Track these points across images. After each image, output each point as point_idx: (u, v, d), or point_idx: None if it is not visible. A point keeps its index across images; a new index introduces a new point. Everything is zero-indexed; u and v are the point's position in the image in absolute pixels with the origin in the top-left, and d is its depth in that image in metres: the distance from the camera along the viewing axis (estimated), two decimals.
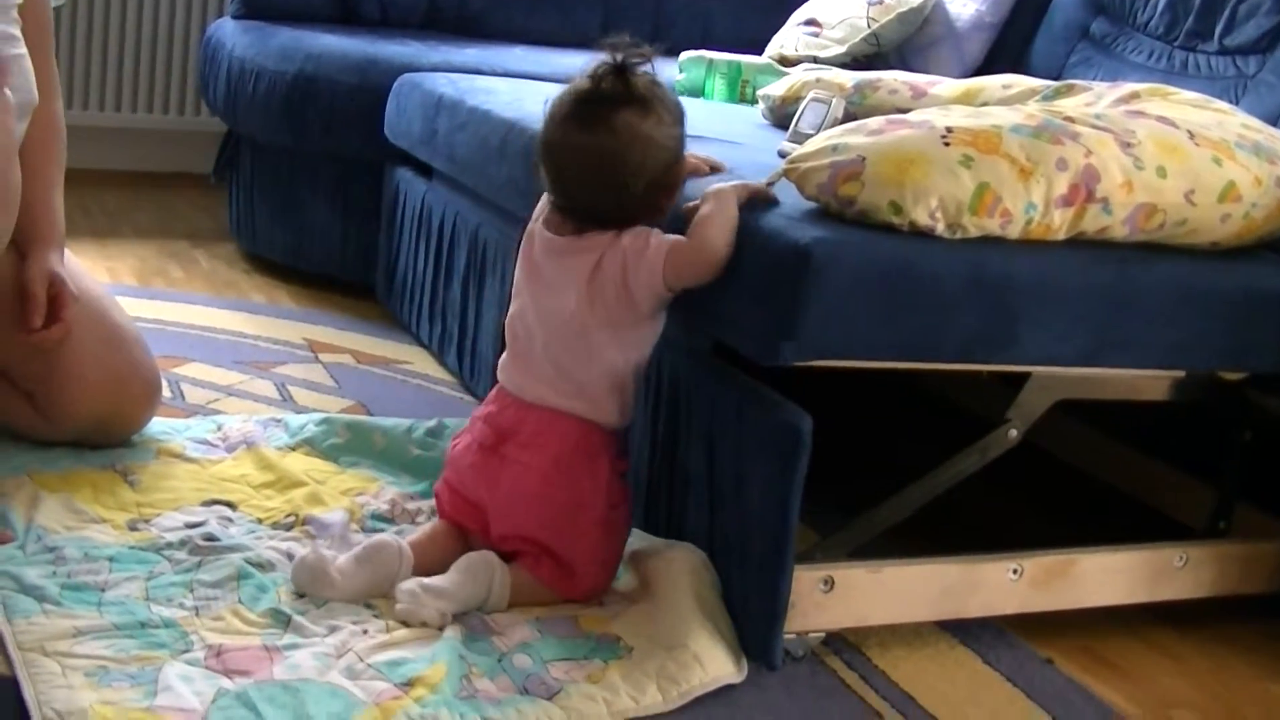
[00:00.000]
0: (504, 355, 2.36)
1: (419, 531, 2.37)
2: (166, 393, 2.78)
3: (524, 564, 2.27)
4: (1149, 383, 2.47)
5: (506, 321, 2.36)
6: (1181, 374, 2.47)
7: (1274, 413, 2.56)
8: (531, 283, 2.31)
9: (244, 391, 3.08)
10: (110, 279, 3.78)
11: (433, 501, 2.50)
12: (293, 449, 2.72)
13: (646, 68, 2.24)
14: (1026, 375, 2.33)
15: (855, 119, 2.48)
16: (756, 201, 2.25)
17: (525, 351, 2.31)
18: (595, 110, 2.21)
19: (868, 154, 2.16)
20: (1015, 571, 2.38)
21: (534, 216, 2.36)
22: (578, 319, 2.24)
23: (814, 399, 2.21)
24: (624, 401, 2.30)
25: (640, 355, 2.30)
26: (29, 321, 2.50)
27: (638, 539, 2.39)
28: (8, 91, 2.30)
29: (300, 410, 2.97)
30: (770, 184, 2.29)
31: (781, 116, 3.22)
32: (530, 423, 2.28)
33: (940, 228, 2.16)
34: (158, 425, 2.73)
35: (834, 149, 2.21)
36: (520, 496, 2.26)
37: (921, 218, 2.14)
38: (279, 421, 2.82)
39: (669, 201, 2.28)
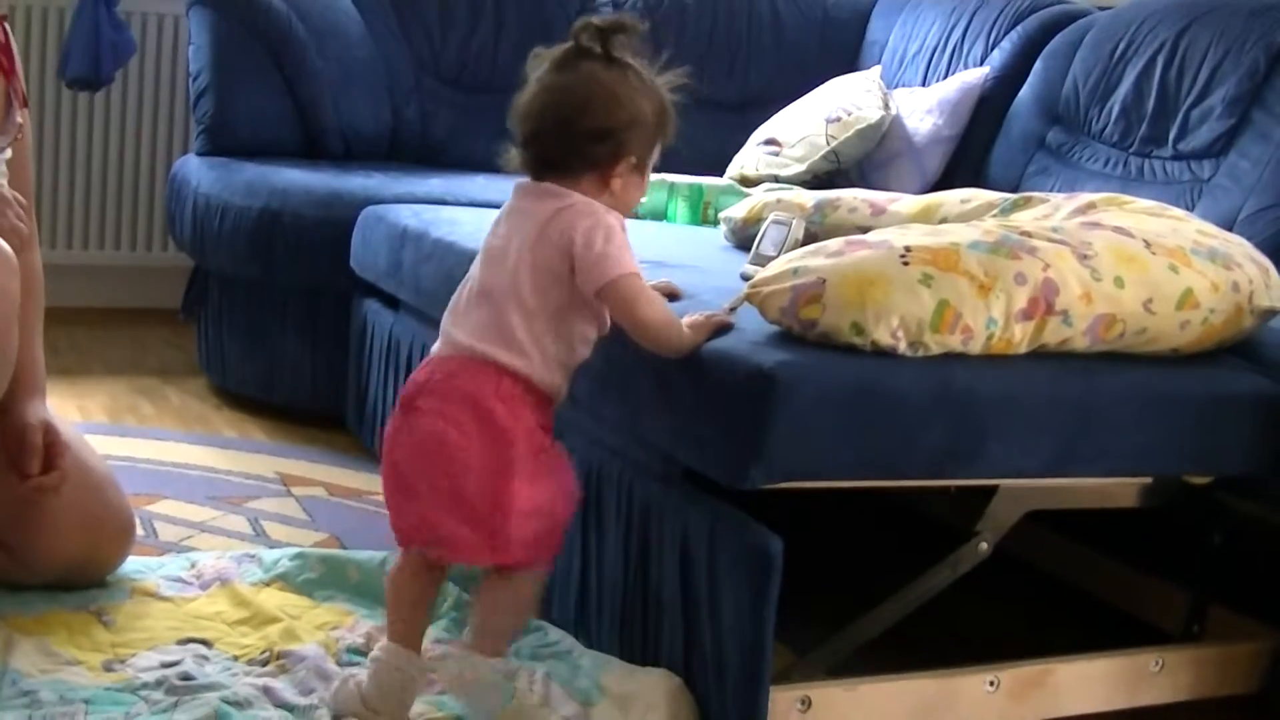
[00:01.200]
0: (446, 312, 2.31)
1: (391, 590, 2.29)
2: (140, 531, 2.78)
3: (443, 551, 2.21)
4: (1117, 490, 2.49)
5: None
6: (1149, 480, 2.49)
7: (1243, 515, 2.58)
8: (497, 224, 2.30)
9: (217, 527, 3.08)
10: (81, 417, 3.78)
11: None
12: (267, 584, 2.72)
13: (627, 41, 2.25)
14: (994, 487, 2.35)
15: (817, 239, 2.51)
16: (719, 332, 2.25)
17: (468, 298, 2.26)
18: (567, 58, 2.24)
19: (828, 276, 2.19)
20: (992, 684, 2.38)
21: None
22: (517, 261, 2.20)
23: (785, 512, 2.23)
24: (547, 358, 2.21)
25: (576, 323, 2.23)
26: (26, 468, 2.50)
27: (615, 666, 2.39)
28: (8, 250, 2.32)
29: (274, 545, 2.97)
30: (733, 309, 2.31)
31: (744, 238, 3.26)
32: (444, 370, 2.21)
33: (902, 346, 2.18)
34: (132, 564, 2.72)
35: (794, 272, 2.23)
36: (429, 441, 2.17)
37: (883, 337, 2.16)
38: (253, 557, 2.81)
39: (615, 168, 2.24)
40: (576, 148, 2.22)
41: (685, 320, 2.24)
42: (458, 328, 2.25)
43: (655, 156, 2.31)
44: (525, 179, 2.30)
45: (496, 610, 2.27)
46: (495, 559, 2.22)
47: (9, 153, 2.51)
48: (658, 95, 2.27)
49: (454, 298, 2.30)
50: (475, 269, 2.29)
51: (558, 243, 2.18)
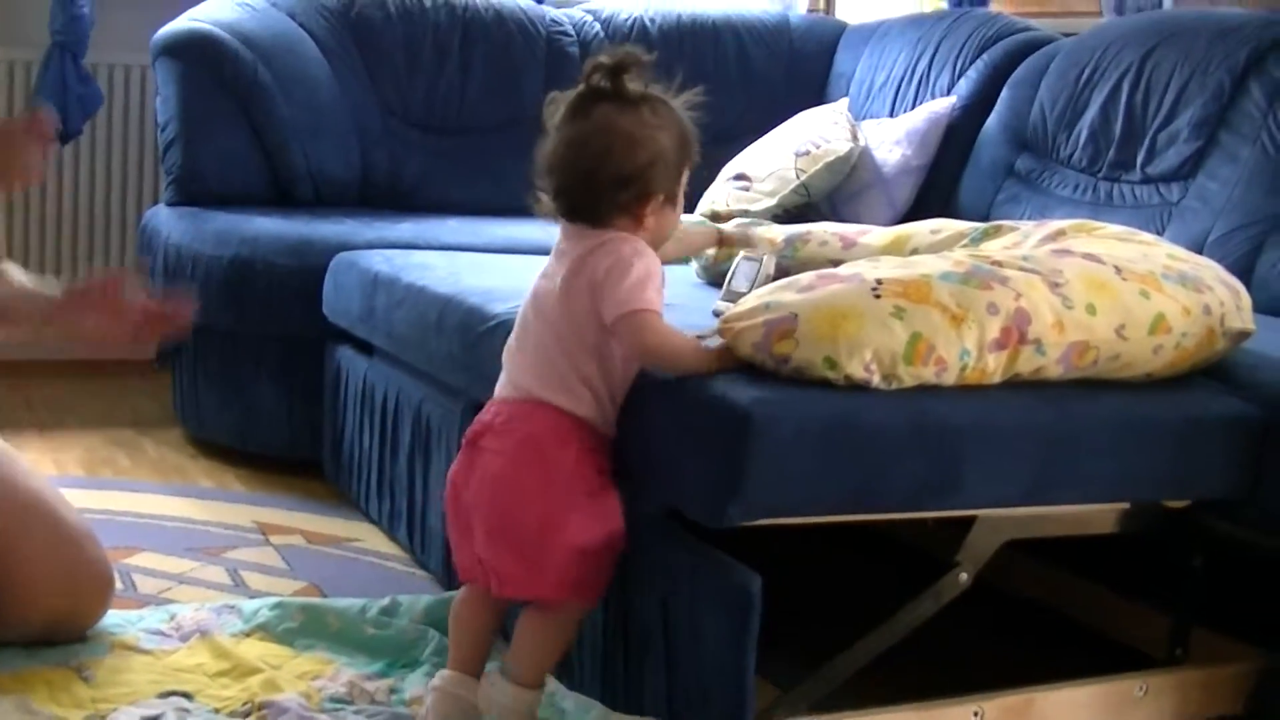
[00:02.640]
0: (505, 349, 2.37)
1: (453, 622, 2.40)
2: (118, 584, 2.77)
3: (493, 587, 2.28)
4: (1096, 516, 2.48)
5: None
6: (1127, 505, 2.49)
7: (1222, 537, 2.58)
8: (546, 265, 2.34)
9: (196, 579, 3.07)
10: (57, 470, 3.77)
11: (390, 681, 2.50)
12: (247, 635, 2.71)
13: (637, 74, 2.27)
14: (972, 517, 2.35)
15: (788, 273, 2.51)
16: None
17: (521, 337, 2.33)
18: (581, 104, 2.26)
19: (800, 311, 2.19)
20: (977, 714, 2.38)
21: None
22: (555, 302, 2.26)
23: (765, 546, 2.22)
24: (599, 398, 2.27)
25: (615, 361, 2.28)
26: None
27: (597, 711, 2.38)
28: None
29: (253, 595, 2.96)
30: (704, 339, 2.32)
31: (715, 274, 3.26)
32: (505, 412, 2.28)
33: (876, 380, 2.18)
34: (111, 618, 2.71)
35: (767, 307, 2.23)
36: (488, 479, 2.25)
37: (857, 371, 2.16)
38: (232, 608, 2.80)
39: (645, 208, 2.28)
40: (603, 197, 2.26)
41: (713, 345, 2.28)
42: (516, 368, 2.32)
43: (684, 182, 2.35)
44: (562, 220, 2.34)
45: (539, 641, 2.31)
46: (541, 593, 2.28)
47: None
48: (676, 123, 2.30)
49: (513, 333, 2.37)
50: (526, 307, 2.34)
51: (587, 282, 2.23)
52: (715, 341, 2.28)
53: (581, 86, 2.28)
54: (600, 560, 2.29)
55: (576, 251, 2.26)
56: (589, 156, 2.24)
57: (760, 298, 2.28)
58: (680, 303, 2.92)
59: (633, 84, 2.27)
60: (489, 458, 2.26)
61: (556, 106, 2.29)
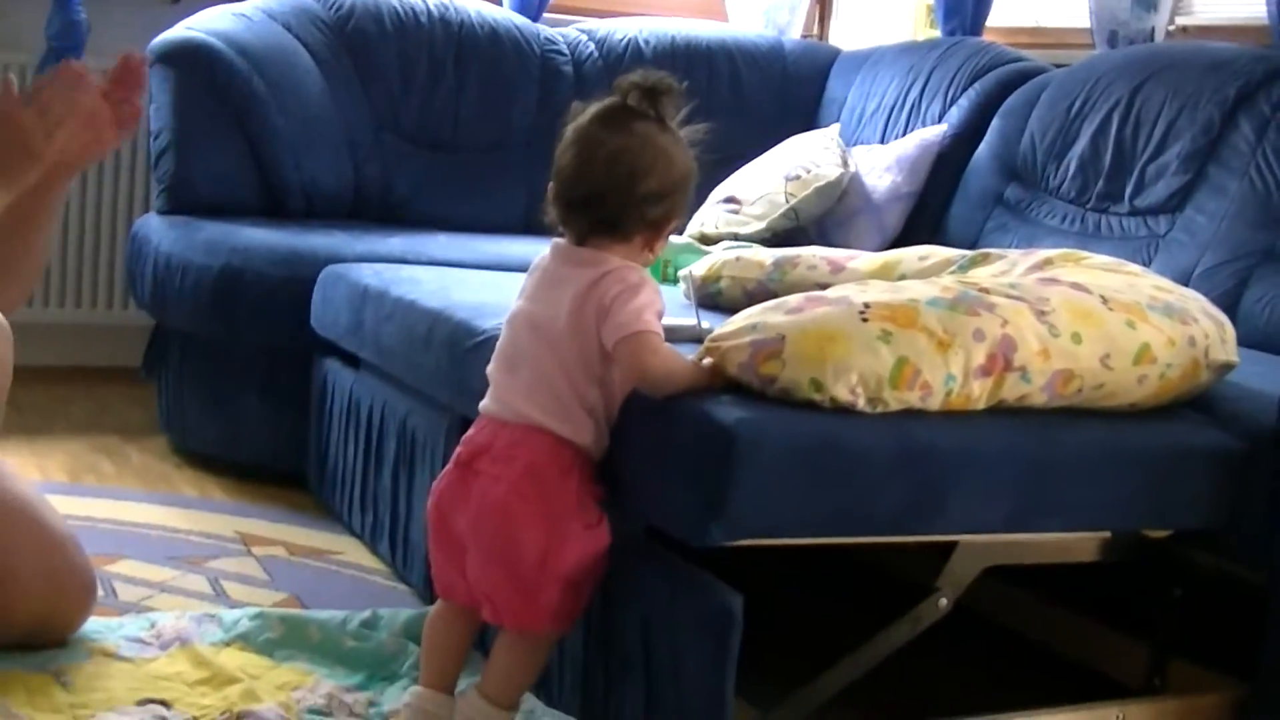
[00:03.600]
0: (489, 367, 2.36)
1: (427, 638, 2.40)
2: (99, 591, 2.76)
3: (487, 617, 2.29)
4: (1076, 544, 2.49)
5: (501, 329, 2.36)
6: (1108, 534, 2.50)
7: (1202, 568, 2.59)
8: (536, 289, 2.33)
9: (177, 588, 3.07)
10: (41, 476, 3.77)
11: (369, 694, 2.51)
12: (227, 645, 2.71)
13: (669, 101, 2.30)
14: (954, 543, 2.35)
15: (774, 296, 2.51)
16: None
17: (511, 358, 2.31)
18: (617, 116, 2.27)
19: (787, 332, 2.20)
20: None
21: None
22: (561, 330, 2.25)
23: (744, 565, 2.23)
24: (599, 426, 2.27)
25: (616, 390, 2.28)
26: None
27: None
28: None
29: (234, 605, 2.96)
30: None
31: (703, 295, 3.27)
32: (504, 437, 2.27)
33: (861, 403, 2.19)
34: (91, 625, 2.71)
35: (754, 328, 2.24)
36: (488, 507, 2.23)
37: (842, 394, 2.17)
38: (213, 617, 2.80)
39: (665, 229, 2.31)
40: (637, 210, 2.26)
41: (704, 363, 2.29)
42: (510, 391, 2.30)
43: None
44: (562, 241, 2.33)
45: (516, 663, 2.31)
46: (536, 624, 2.28)
47: None
48: (690, 157, 2.32)
49: (498, 353, 2.35)
50: (519, 331, 2.32)
51: (594, 310, 2.23)
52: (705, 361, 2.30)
53: (615, 100, 2.29)
54: (587, 589, 2.30)
55: (581, 280, 2.25)
56: (633, 167, 2.24)
57: (748, 318, 2.29)
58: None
59: (668, 111, 2.30)
60: (488, 483, 2.25)
61: (580, 116, 2.30)
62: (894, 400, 2.21)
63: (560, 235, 2.35)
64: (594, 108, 2.30)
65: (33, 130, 2.36)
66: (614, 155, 2.25)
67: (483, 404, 2.35)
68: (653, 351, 2.22)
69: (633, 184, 2.24)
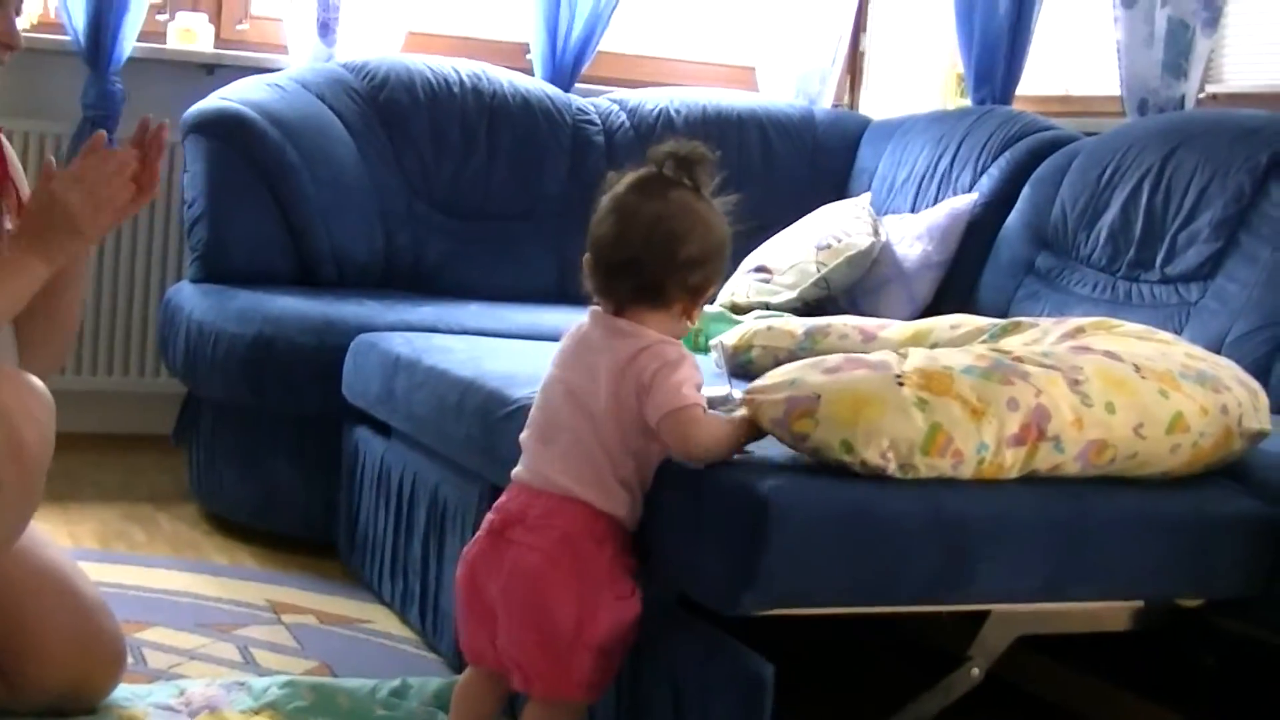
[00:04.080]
0: (523, 435, 2.36)
1: (456, 705, 2.41)
2: (129, 658, 2.76)
3: (516, 678, 2.28)
4: (1109, 614, 2.48)
5: (536, 396, 2.37)
6: (1141, 603, 2.49)
7: (1236, 636, 2.57)
8: (572, 357, 2.33)
9: (206, 655, 3.06)
10: (72, 543, 3.77)
11: None
12: (256, 713, 2.70)
13: (703, 170, 2.31)
14: (986, 612, 2.34)
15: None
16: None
17: (546, 427, 2.32)
18: (653, 184, 2.29)
19: (823, 392, 2.20)
20: None
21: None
22: (600, 402, 2.25)
23: (776, 634, 2.22)
24: (634, 497, 2.28)
25: (651, 461, 2.29)
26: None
27: None
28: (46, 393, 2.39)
29: (264, 673, 2.95)
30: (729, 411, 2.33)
31: (735, 365, 3.27)
32: (538, 506, 2.27)
33: (892, 468, 2.18)
34: (120, 691, 2.71)
35: (791, 384, 2.24)
36: (522, 575, 2.23)
37: (873, 458, 2.17)
38: (242, 685, 2.80)
39: (703, 296, 2.32)
40: (678, 276, 2.27)
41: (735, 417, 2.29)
42: (543, 461, 2.30)
43: None
44: (598, 310, 2.34)
45: None
46: (567, 694, 2.28)
47: None
48: (726, 224, 2.34)
49: (531, 421, 2.35)
50: (555, 400, 2.32)
51: (634, 387, 2.24)
52: (739, 411, 2.30)
53: (650, 169, 2.31)
54: (617, 658, 2.30)
55: (620, 352, 2.26)
56: (673, 233, 2.26)
57: (788, 373, 2.29)
58: None
59: (703, 180, 2.31)
60: (522, 552, 2.25)
61: (616, 184, 2.31)
62: (925, 467, 2.20)
63: (595, 304, 2.35)
64: (629, 177, 2.31)
65: (80, 213, 2.38)
66: (653, 222, 2.26)
67: (515, 471, 2.35)
68: (699, 425, 2.22)
69: (673, 249, 2.25)
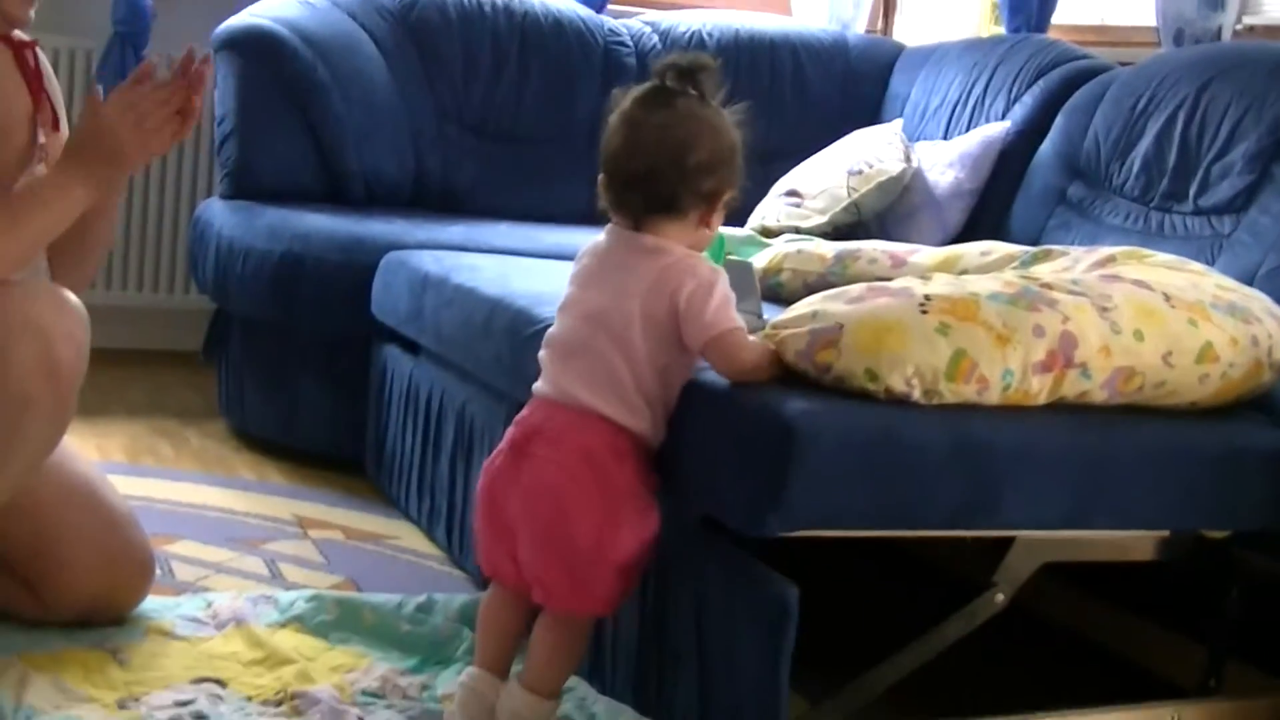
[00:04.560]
0: (541, 353, 2.36)
1: (481, 620, 2.40)
2: (157, 570, 2.78)
3: (537, 599, 2.29)
4: (1134, 543, 2.48)
5: (556, 315, 2.36)
6: (1166, 534, 2.48)
7: (1260, 570, 2.57)
8: (593, 276, 2.33)
9: (233, 569, 3.08)
10: (100, 457, 3.79)
11: (423, 678, 2.52)
12: (282, 626, 2.72)
13: (707, 78, 2.30)
14: (1011, 538, 2.34)
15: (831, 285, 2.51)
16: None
17: (568, 344, 2.31)
18: (658, 97, 2.29)
19: (845, 322, 2.20)
20: None
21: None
22: (626, 318, 2.25)
23: (798, 561, 2.23)
24: (656, 414, 2.28)
25: (676, 378, 2.30)
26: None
27: (628, 716, 2.39)
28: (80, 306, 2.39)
29: (290, 587, 2.97)
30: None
31: (765, 288, 3.26)
32: (558, 419, 2.27)
33: (916, 394, 2.18)
34: (148, 603, 2.73)
35: (814, 315, 2.24)
36: (542, 491, 2.24)
37: (897, 385, 2.17)
38: (269, 599, 2.82)
39: (719, 201, 2.31)
40: (690, 183, 2.27)
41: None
42: (565, 376, 2.30)
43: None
44: (616, 227, 2.33)
45: (556, 652, 2.31)
46: (587, 608, 2.30)
47: (41, 170, 2.53)
48: (735, 129, 2.33)
49: (550, 339, 2.35)
50: (575, 320, 2.32)
51: (667, 303, 2.23)
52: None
53: (655, 82, 2.30)
54: (635, 574, 2.31)
55: (647, 270, 2.25)
56: (681, 141, 2.25)
57: (809, 305, 2.29)
58: None
59: (707, 87, 2.30)
60: (541, 465, 2.25)
61: (622, 100, 2.31)
62: (950, 393, 2.20)
63: (611, 222, 2.35)
64: (634, 92, 2.31)
65: (128, 141, 2.39)
66: (660, 130, 2.26)
67: (536, 386, 2.35)
68: (743, 348, 2.24)
69: (683, 156, 2.25)
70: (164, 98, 2.41)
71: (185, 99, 2.43)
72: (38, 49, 2.59)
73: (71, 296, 2.39)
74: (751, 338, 2.28)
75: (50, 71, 2.64)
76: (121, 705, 2.36)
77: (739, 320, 2.24)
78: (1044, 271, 2.66)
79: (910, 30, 5.68)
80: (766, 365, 2.26)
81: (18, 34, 2.54)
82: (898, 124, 4.60)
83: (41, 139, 2.57)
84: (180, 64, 2.44)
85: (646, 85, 2.31)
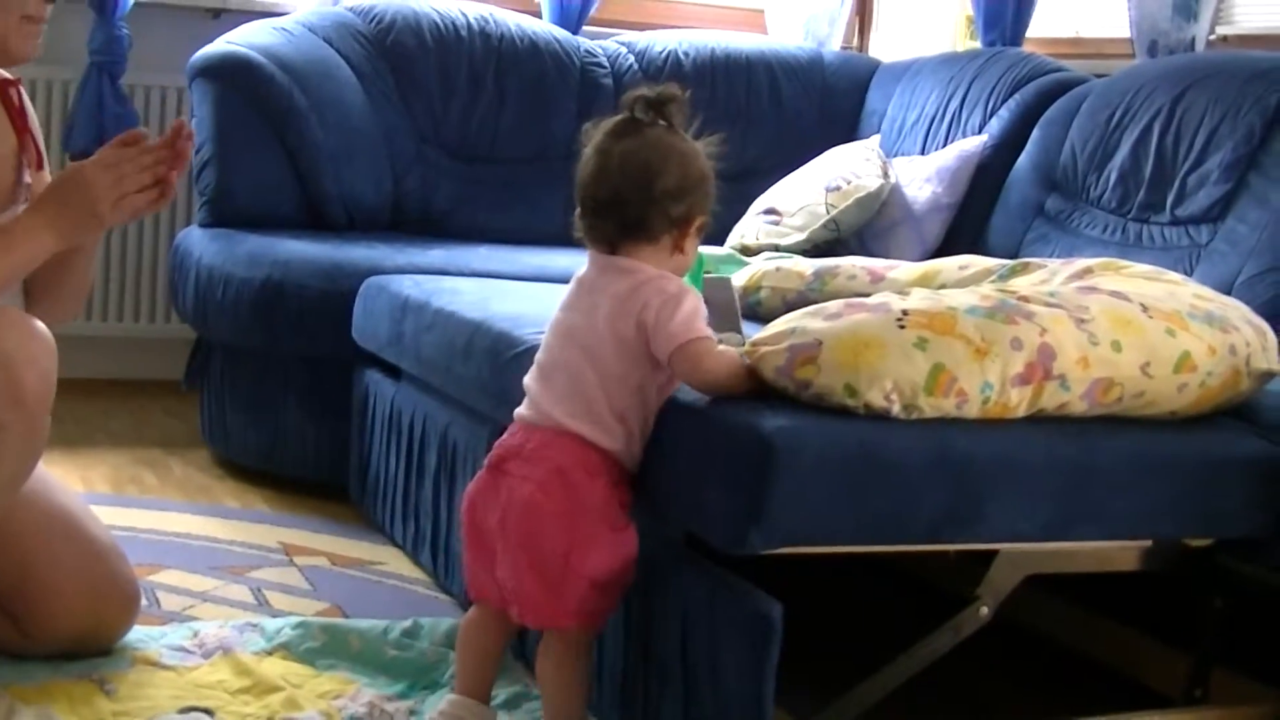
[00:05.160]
0: (526, 378, 2.38)
1: (461, 643, 2.42)
2: (142, 600, 2.78)
3: (514, 616, 2.31)
4: (1117, 553, 2.48)
5: (541, 340, 2.40)
6: (1149, 543, 2.49)
7: (1245, 577, 2.57)
8: (573, 298, 2.36)
9: (219, 597, 3.08)
10: (84, 487, 3.79)
11: (411, 702, 2.52)
12: (269, 653, 2.72)
13: (676, 109, 2.33)
14: (994, 551, 2.35)
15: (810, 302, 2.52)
16: None
17: (545, 365, 2.35)
18: (627, 127, 2.31)
19: (824, 338, 2.20)
20: None
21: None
22: (597, 337, 2.28)
23: (783, 578, 2.23)
24: (631, 433, 2.30)
25: (653, 397, 2.31)
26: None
27: None
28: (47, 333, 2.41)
29: (276, 614, 2.97)
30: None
31: (744, 305, 3.26)
32: (534, 439, 2.30)
33: (896, 409, 2.19)
34: (134, 633, 2.73)
35: (793, 332, 2.25)
36: (515, 505, 2.26)
37: (876, 400, 2.17)
38: (255, 626, 2.82)
39: (691, 227, 2.32)
40: (659, 207, 2.29)
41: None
42: (543, 399, 2.33)
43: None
44: (596, 252, 2.36)
45: (564, 684, 2.34)
46: (560, 622, 2.30)
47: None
48: (705, 157, 2.35)
49: (535, 362, 2.38)
50: (553, 339, 2.36)
51: (635, 320, 2.26)
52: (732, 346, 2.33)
53: (624, 114, 2.33)
54: (614, 592, 2.32)
55: (617, 289, 2.28)
56: (648, 166, 2.28)
57: (789, 322, 2.29)
58: None
59: (675, 118, 2.32)
60: (517, 483, 2.28)
61: (594, 132, 2.34)
62: (929, 407, 2.21)
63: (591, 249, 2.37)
64: (604, 124, 2.34)
65: (103, 198, 2.40)
66: (626, 158, 2.29)
67: (517, 410, 2.38)
68: (712, 358, 2.25)
69: (649, 182, 2.27)
70: (147, 164, 2.43)
71: (166, 171, 2.44)
72: (20, 87, 2.59)
73: (39, 324, 2.39)
74: (727, 349, 2.29)
75: (33, 111, 2.65)
76: None
77: (707, 331, 2.26)
78: (1021, 284, 2.66)
79: (886, 46, 5.70)
80: (737, 376, 2.27)
81: (1, 72, 2.55)
82: (875, 140, 4.62)
83: (27, 179, 2.58)
84: (169, 133, 2.46)
85: (616, 117, 2.34)
